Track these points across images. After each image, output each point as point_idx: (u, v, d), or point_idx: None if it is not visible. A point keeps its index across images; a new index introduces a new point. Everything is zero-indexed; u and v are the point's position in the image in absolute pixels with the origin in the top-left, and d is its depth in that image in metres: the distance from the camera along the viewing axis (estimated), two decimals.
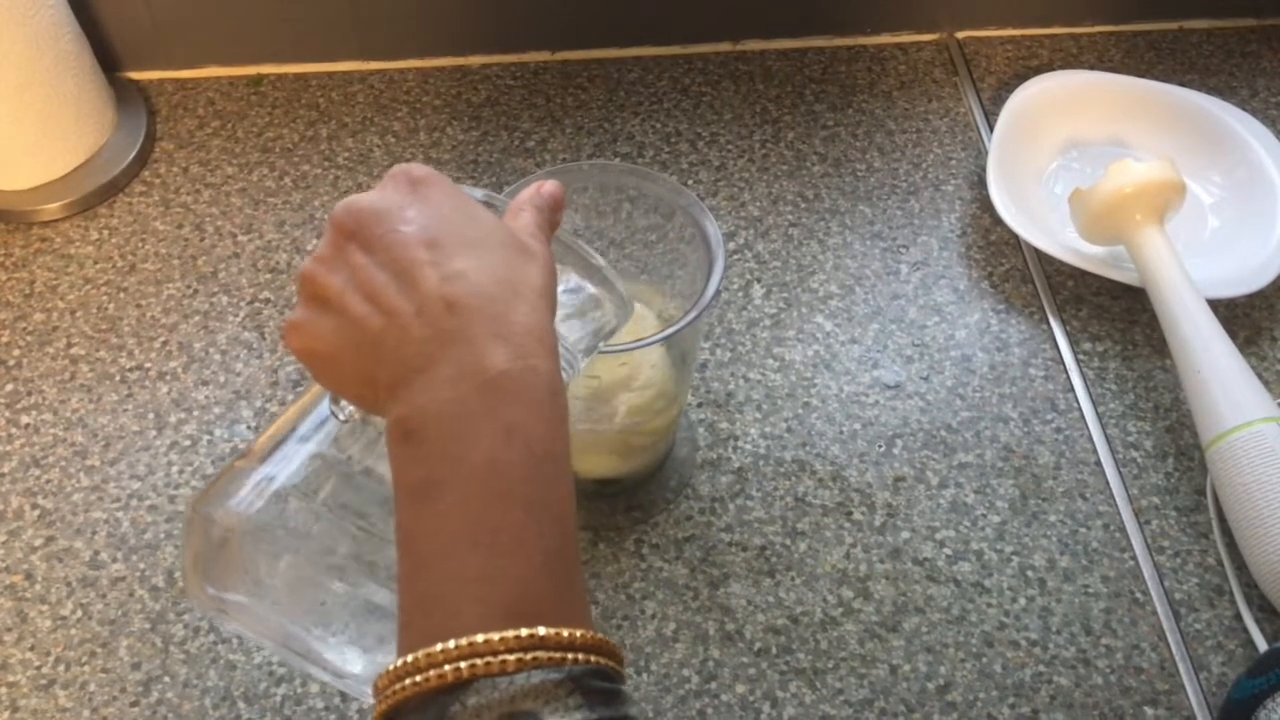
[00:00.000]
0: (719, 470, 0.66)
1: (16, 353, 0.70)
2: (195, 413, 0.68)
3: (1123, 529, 0.64)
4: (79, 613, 0.60)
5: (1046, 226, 0.76)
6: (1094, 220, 0.71)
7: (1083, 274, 0.74)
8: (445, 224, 0.36)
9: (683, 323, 0.50)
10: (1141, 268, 0.69)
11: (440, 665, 0.30)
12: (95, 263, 0.75)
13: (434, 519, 0.33)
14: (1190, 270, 0.68)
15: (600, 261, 0.44)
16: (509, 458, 0.33)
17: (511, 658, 0.30)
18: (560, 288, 0.42)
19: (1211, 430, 0.62)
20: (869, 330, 0.72)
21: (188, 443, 0.66)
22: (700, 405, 0.68)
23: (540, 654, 0.30)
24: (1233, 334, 0.65)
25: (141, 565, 0.62)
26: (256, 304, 0.73)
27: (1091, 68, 0.88)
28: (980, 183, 0.80)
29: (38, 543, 0.62)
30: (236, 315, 0.72)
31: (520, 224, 0.39)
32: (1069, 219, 0.74)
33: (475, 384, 0.33)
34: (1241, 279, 0.71)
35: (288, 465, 0.40)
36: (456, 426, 0.33)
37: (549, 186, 0.41)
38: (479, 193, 0.42)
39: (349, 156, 0.81)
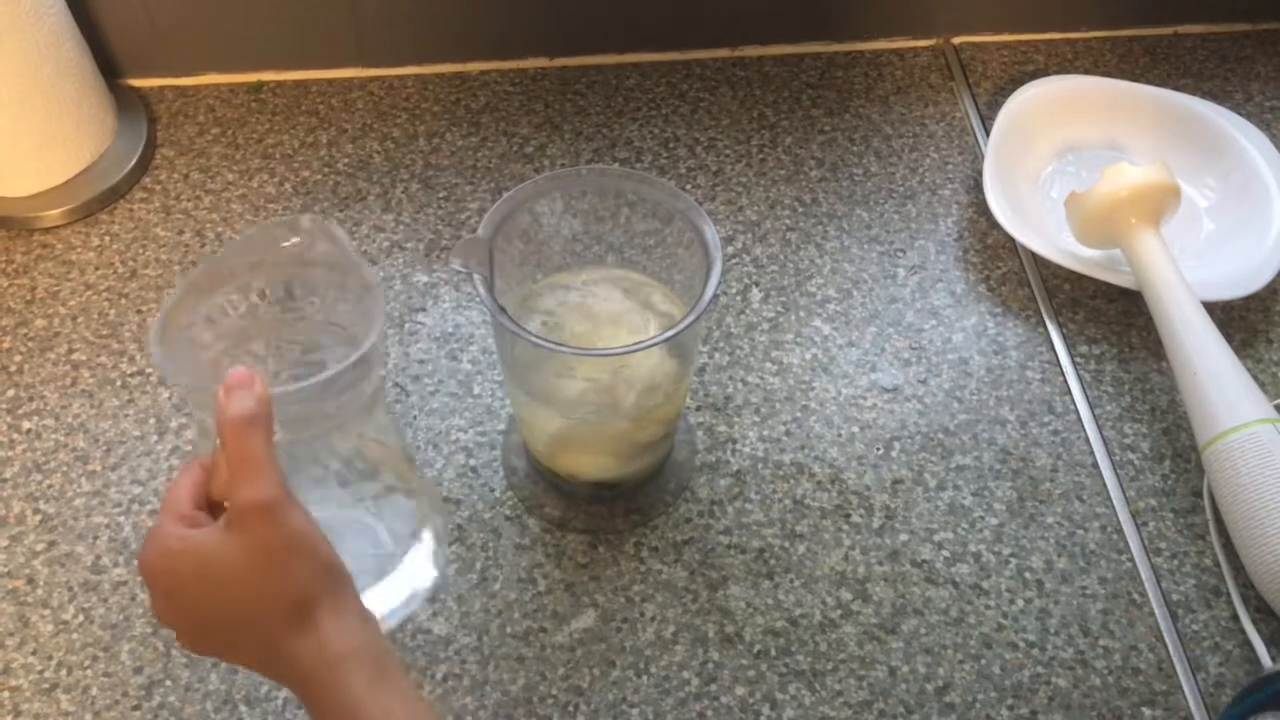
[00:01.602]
0: (718, 473, 0.66)
1: (18, 359, 0.70)
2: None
3: (1120, 530, 0.64)
4: (81, 617, 0.60)
5: (1043, 230, 0.76)
6: (1090, 224, 0.72)
7: (1079, 277, 0.74)
8: (196, 623, 0.43)
9: (680, 326, 0.50)
10: (1137, 271, 0.69)
11: None
12: (96, 269, 0.75)
13: None
14: (1186, 273, 0.68)
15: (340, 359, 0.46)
16: None
17: None
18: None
19: (1208, 432, 0.62)
20: (866, 334, 0.73)
21: (189, 447, 0.66)
22: (699, 409, 0.69)
23: None
24: (1229, 336, 0.66)
25: None
26: None
27: (1087, 72, 0.88)
28: (977, 187, 0.80)
29: (39, 547, 0.63)
30: None
31: (248, 464, 0.41)
32: (1065, 223, 0.74)
33: None
34: (1237, 281, 0.72)
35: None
36: None
37: (238, 396, 0.41)
38: (350, 250, 0.48)
39: (349, 162, 0.81)
